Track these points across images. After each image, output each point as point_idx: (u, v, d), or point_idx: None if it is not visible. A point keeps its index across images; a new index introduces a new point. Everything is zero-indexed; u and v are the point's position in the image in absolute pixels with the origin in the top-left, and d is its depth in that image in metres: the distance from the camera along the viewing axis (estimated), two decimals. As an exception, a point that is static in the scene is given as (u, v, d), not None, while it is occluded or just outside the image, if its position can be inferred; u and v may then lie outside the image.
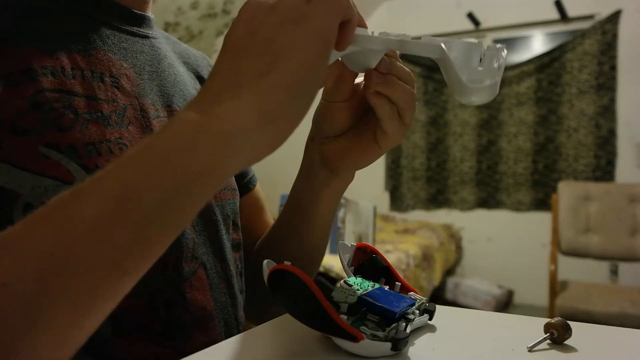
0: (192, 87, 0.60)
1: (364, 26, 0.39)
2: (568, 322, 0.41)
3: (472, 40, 0.39)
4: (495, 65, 0.39)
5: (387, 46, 0.39)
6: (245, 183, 0.67)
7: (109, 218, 0.29)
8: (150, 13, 0.58)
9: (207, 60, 0.69)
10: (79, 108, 0.45)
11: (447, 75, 0.39)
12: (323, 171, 0.53)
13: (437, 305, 0.46)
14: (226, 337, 0.52)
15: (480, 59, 0.39)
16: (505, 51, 0.40)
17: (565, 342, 0.40)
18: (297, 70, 0.33)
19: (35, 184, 0.41)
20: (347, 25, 0.36)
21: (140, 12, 0.56)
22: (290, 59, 0.33)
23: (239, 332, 0.55)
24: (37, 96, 0.43)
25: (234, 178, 0.62)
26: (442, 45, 0.38)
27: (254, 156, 0.34)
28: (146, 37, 0.56)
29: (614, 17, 3.25)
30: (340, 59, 0.42)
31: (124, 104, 0.49)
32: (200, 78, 0.64)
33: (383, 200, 3.96)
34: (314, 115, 0.52)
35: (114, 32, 0.52)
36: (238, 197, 0.61)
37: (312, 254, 0.61)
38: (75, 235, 0.28)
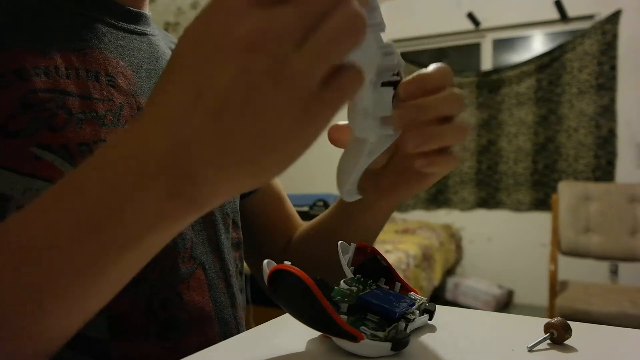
0: None
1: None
2: (568, 322, 0.41)
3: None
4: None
5: None
6: None
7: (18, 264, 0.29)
8: (147, 10, 0.58)
9: None
10: (73, 108, 0.45)
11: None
12: (380, 199, 0.51)
13: (437, 305, 0.46)
14: (224, 338, 0.52)
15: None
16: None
17: (565, 342, 0.40)
18: (291, 155, 0.27)
19: (26, 186, 0.41)
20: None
21: (136, 10, 0.55)
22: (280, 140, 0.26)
23: (237, 332, 0.55)
24: (29, 97, 0.43)
25: None
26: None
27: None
28: (144, 34, 0.56)
29: (614, 17, 3.25)
30: None
31: (120, 103, 0.48)
32: None
33: (383, 200, 3.96)
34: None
35: (111, 29, 0.52)
36: (238, 196, 0.61)
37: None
38: None
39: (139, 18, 0.56)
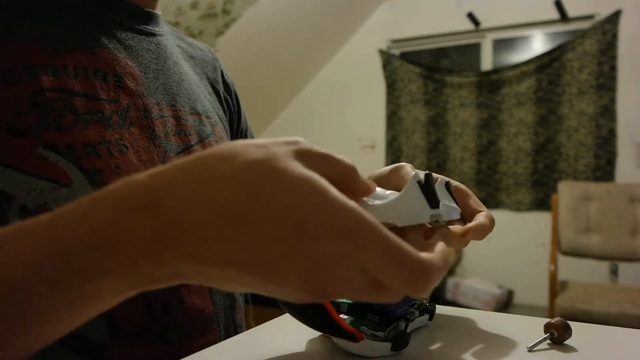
0: (196, 85, 0.60)
1: None
2: (568, 322, 0.41)
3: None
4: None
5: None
6: None
7: None
8: (158, 10, 0.58)
9: (212, 53, 0.69)
10: (79, 108, 0.45)
11: None
12: None
13: (437, 305, 0.46)
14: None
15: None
16: None
17: (565, 342, 0.40)
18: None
19: (31, 186, 0.41)
20: None
21: (147, 9, 0.56)
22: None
23: (236, 335, 0.55)
24: (37, 95, 0.42)
25: None
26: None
27: None
28: (153, 34, 0.56)
29: (614, 17, 3.25)
30: None
31: (126, 104, 0.49)
32: (205, 74, 0.64)
33: (383, 200, 3.95)
34: None
35: (121, 30, 0.52)
36: None
37: None
38: None
39: (149, 18, 0.56)
